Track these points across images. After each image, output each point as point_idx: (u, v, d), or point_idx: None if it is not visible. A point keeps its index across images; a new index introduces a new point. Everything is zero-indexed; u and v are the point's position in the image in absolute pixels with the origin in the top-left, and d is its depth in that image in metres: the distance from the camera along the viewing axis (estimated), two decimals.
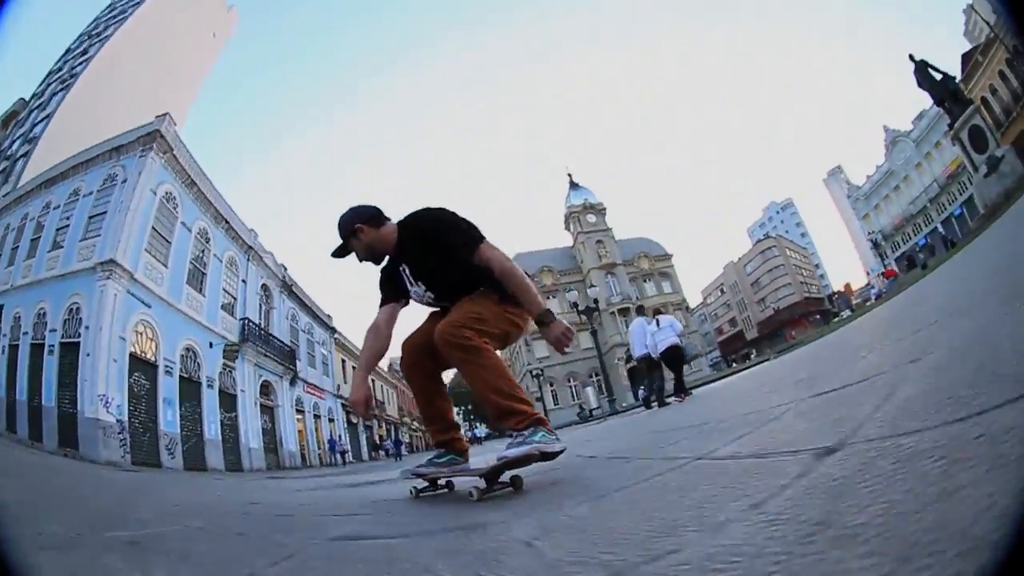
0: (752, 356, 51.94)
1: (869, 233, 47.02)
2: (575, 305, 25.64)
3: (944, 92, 14.65)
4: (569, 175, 51.83)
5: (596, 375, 43.61)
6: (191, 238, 19.52)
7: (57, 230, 16.31)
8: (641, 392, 13.21)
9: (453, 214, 2.45)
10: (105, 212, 15.50)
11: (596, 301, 26.53)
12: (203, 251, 20.59)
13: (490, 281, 2.34)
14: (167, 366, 16.35)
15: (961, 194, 37.41)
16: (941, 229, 39.00)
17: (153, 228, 16.64)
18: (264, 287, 27.59)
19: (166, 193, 17.68)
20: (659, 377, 9.47)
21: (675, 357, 9.08)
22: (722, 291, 74.76)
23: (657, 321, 9.36)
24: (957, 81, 16.02)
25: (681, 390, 9.13)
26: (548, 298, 46.76)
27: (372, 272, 2.72)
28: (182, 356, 17.42)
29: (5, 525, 1.62)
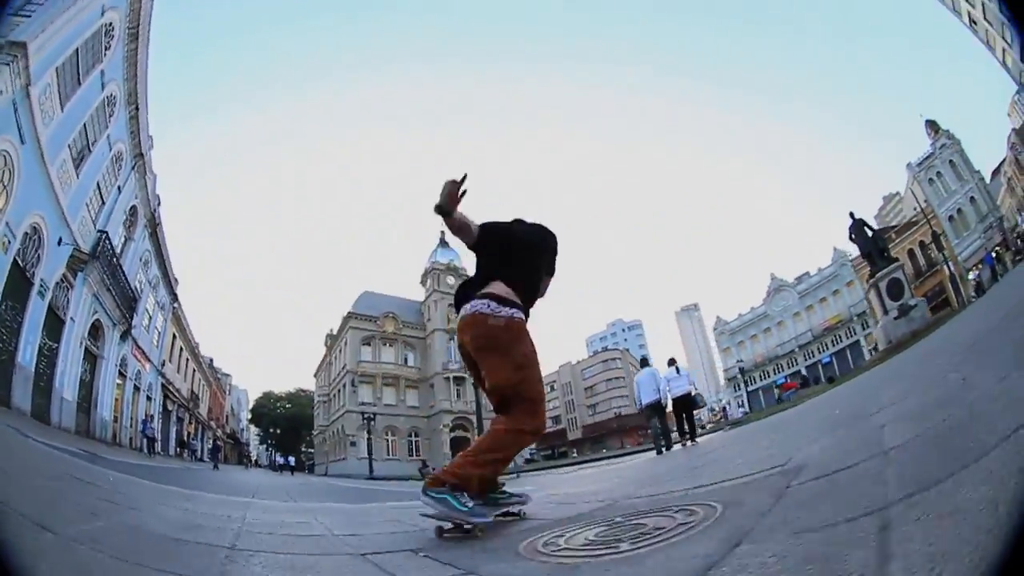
0: (573, 454, 53.06)
1: (738, 360, 48.41)
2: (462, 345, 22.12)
3: (873, 247, 16.64)
4: (442, 232, 48.84)
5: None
6: (99, 97, 13.71)
7: None
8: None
9: None
10: None
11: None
12: (100, 123, 14.55)
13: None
14: (5, 237, 10.24)
15: (834, 345, 42.83)
16: (804, 372, 43.32)
17: (76, 51, 11.17)
18: (133, 210, 20.69)
19: (109, 23, 12.33)
20: (665, 423, 9.39)
21: (686, 404, 9.28)
22: (552, 387, 76.40)
23: (677, 368, 9.50)
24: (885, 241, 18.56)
25: (692, 435, 9.20)
26: (386, 346, 43.09)
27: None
28: (26, 235, 11.23)
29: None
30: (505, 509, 2.39)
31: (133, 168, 19.23)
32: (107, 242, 16.72)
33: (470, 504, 2.02)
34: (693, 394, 9.56)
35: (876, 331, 17.58)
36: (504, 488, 2.48)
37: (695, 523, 1.75)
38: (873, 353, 29.34)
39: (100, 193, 16.26)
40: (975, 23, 24.96)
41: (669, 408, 9.47)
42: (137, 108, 17.20)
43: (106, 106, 14.47)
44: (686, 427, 9.26)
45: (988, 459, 1.17)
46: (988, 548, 0.76)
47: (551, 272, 2.60)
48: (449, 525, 2.09)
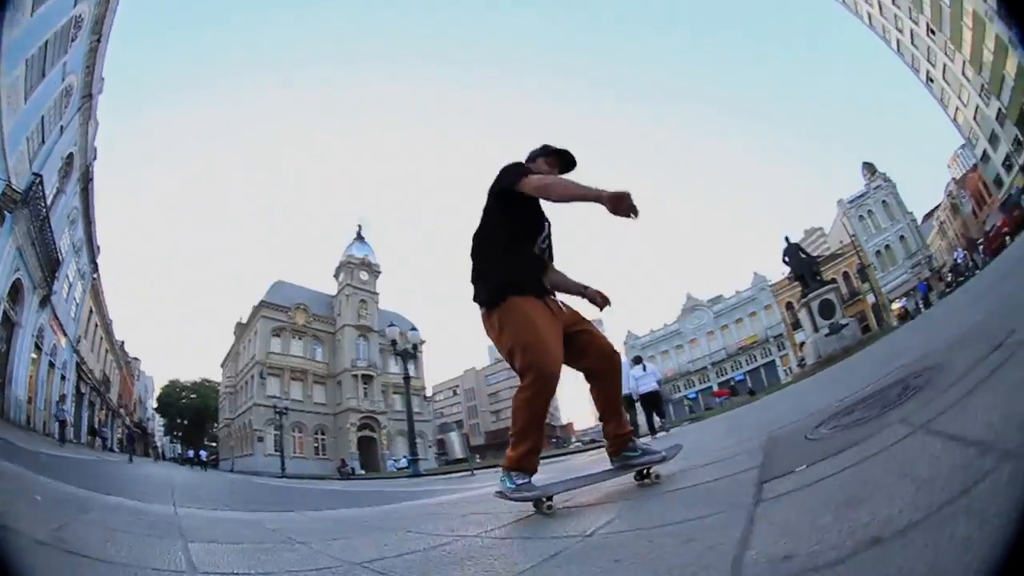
0: (477, 460, 51.32)
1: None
2: (394, 342, 17.85)
3: (806, 270, 17.50)
4: (359, 227, 46.44)
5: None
6: (69, 15, 11.42)
7: None
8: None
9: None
10: None
11: (415, 347, 18.79)
12: (61, 45, 12.14)
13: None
14: None
15: (748, 364, 44.03)
16: (715, 387, 43.94)
17: None
18: (70, 158, 17.68)
19: None
20: (635, 417, 9.71)
21: (654, 400, 9.73)
22: (455, 392, 72.67)
23: (644, 367, 9.95)
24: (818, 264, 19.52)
25: (662, 427, 9.72)
26: (296, 339, 40.01)
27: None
28: None
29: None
30: (639, 469, 2.29)
31: (79, 109, 16.37)
32: (40, 188, 13.95)
33: (517, 483, 2.10)
34: (660, 390, 10.12)
35: (805, 347, 18.69)
36: (638, 444, 2.33)
37: (943, 370, 1.77)
38: (791, 371, 31.09)
39: (43, 129, 13.56)
40: (932, 80, 27.79)
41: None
42: (99, 40, 14.67)
43: (72, 26, 12.11)
44: (656, 421, 9.65)
45: None
46: None
47: (515, 179, 2.20)
48: (529, 506, 2.11)
